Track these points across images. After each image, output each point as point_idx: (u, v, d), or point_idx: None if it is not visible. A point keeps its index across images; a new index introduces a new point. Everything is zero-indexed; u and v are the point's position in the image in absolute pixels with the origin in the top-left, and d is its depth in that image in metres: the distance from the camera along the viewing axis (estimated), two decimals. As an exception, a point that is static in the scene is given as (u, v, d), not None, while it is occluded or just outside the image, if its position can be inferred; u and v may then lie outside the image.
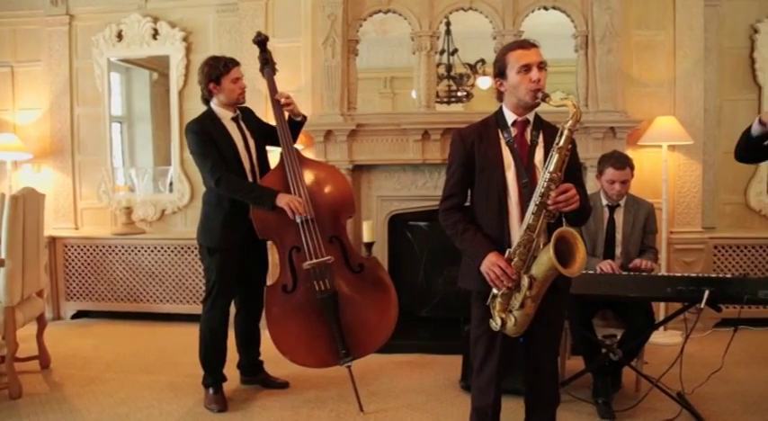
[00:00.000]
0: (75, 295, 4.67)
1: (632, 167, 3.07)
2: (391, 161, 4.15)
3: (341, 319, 2.91)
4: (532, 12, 4.06)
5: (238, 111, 3.02)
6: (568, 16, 4.07)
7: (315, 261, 2.89)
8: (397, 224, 4.32)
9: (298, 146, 3.30)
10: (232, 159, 2.92)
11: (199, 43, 4.63)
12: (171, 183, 4.75)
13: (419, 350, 3.78)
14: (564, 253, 1.90)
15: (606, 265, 2.93)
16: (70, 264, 4.66)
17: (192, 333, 3.14)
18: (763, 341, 2.29)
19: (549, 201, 1.92)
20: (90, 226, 4.84)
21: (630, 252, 3.10)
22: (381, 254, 4.11)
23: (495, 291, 2.00)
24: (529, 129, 2.08)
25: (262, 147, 3.08)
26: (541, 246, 1.95)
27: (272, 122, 3.11)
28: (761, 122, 2.30)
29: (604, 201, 3.12)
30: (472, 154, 2.08)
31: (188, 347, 3.32)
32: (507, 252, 1.98)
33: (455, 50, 5.23)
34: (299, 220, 2.88)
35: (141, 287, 4.57)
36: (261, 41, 3.12)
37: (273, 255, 3.40)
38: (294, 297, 2.94)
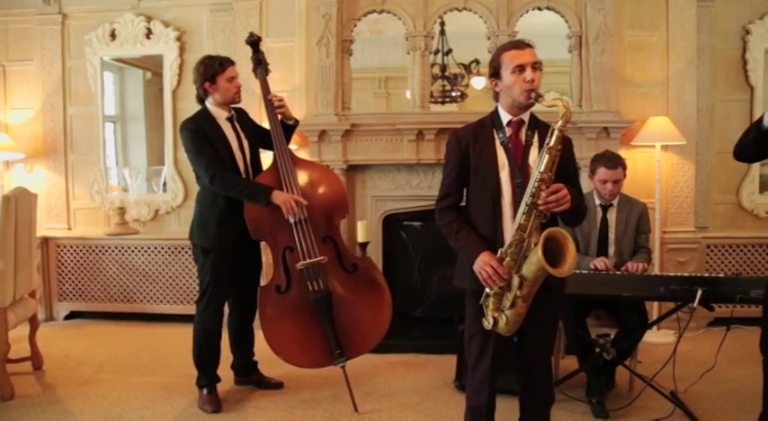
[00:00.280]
0: (67, 296, 4.64)
1: (624, 167, 3.08)
2: (385, 161, 4.14)
3: (335, 319, 2.91)
4: (526, 12, 4.07)
5: (233, 112, 3.02)
6: (562, 17, 4.08)
7: (308, 261, 2.89)
8: (392, 224, 4.32)
9: (291, 146, 3.30)
10: (227, 159, 2.91)
11: (192, 43, 4.61)
12: (164, 183, 4.73)
13: (413, 350, 3.78)
14: (554, 252, 1.90)
15: (600, 262, 2.94)
16: (63, 264, 4.63)
17: (185, 333, 3.13)
18: (756, 340, 2.29)
19: (540, 202, 1.92)
20: (83, 226, 4.82)
21: (623, 252, 3.11)
22: (376, 254, 4.10)
23: (487, 290, 2.00)
24: (524, 130, 2.08)
25: (255, 148, 3.08)
26: (533, 246, 1.95)
27: (266, 125, 3.10)
28: None
29: (597, 201, 3.13)
30: (467, 154, 2.09)
31: (182, 348, 3.31)
32: (499, 251, 1.98)
33: (449, 50, 5.24)
34: (292, 221, 2.87)
35: (135, 287, 4.55)
36: (254, 42, 3.11)
37: (267, 256, 3.39)
38: (288, 297, 2.94)
